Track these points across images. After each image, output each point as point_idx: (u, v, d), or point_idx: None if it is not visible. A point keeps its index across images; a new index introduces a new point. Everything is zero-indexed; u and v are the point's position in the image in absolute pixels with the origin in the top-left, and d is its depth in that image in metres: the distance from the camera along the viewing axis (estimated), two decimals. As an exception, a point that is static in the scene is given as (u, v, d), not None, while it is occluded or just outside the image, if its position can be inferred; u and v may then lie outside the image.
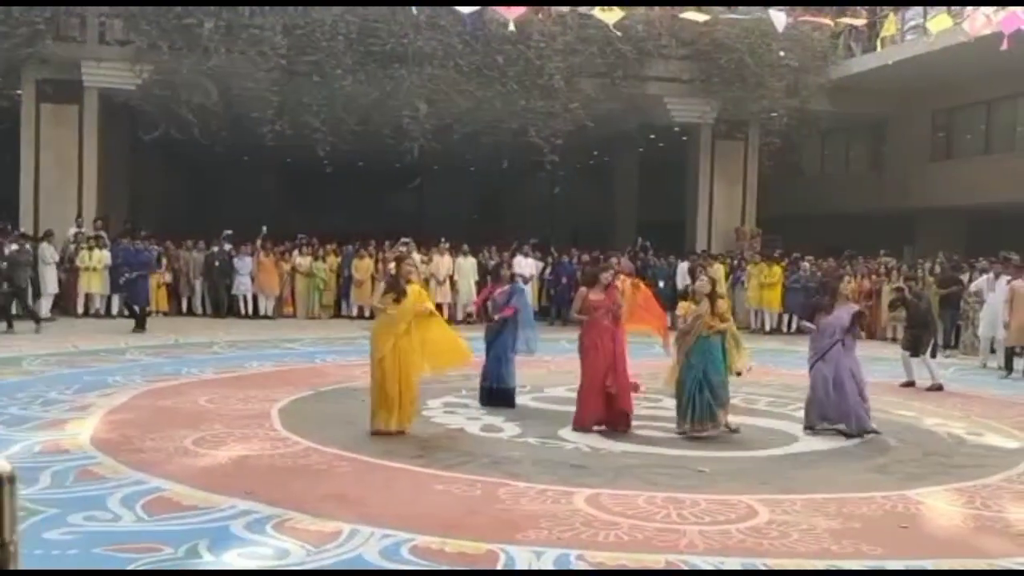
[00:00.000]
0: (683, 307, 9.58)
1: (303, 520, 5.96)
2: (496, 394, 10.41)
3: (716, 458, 8.18)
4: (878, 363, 15.00)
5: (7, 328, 15.96)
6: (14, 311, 16.34)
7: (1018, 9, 18.10)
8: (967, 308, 16.96)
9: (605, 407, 9.23)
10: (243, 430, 8.64)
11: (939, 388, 12.51)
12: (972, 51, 18.63)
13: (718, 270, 19.42)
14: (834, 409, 9.35)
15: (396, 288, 8.76)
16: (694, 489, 7.03)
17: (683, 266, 20.98)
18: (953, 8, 20.22)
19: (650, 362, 11.25)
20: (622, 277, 10.70)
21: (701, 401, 8.99)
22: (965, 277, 17.45)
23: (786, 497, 6.85)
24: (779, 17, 20.39)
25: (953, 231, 24.55)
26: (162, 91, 19.72)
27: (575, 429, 9.13)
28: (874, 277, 19.81)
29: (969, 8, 19.37)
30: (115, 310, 18.99)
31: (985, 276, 15.83)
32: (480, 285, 20.45)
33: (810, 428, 9.52)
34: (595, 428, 9.15)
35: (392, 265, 9.35)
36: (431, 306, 9.19)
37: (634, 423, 9.44)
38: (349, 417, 9.43)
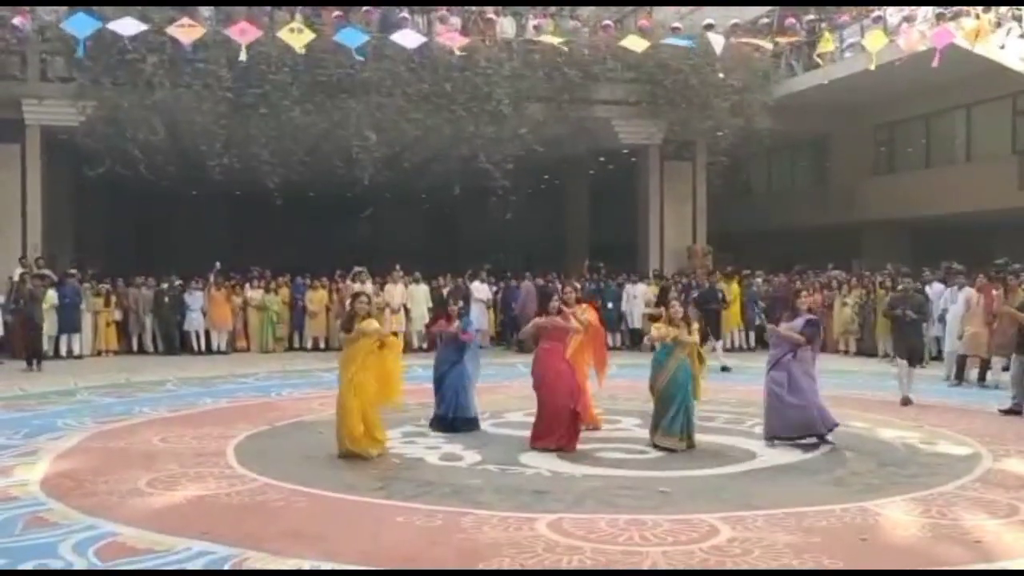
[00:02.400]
0: (659, 328, 9.78)
1: (262, 559, 5.86)
2: (454, 423, 10.38)
3: (677, 477, 8.21)
4: (832, 376, 15.20)
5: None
6: None
7: (949, 24, 18.66)
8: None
9: (565, 430, 9.30)
10: (198, 469, 8.48)
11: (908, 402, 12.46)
12: (908, 67, 19.11)
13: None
14: (794, 417, 9.51)
15: (348, 327, 9.10)
16: (656, 510, 7.03)
17: (639, 288, 21.07)
18: (889, 24, 20.76)
19: (608, 383, 11.31)
20: (583, 306, 10.81)
21: (685, 418, 9.36)
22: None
23: (747, 514, 6.88)
24: (717, 40, 20.79)
25: (898, 243, 25.02)
26: (106, 127, 19.43)
27: (532, 447, 9.28)
28: (826, 292, 20.09)
29: (904, 25, 19.91)
30: (64, 350, 18.68)
31: (948, 289, 15.90)
32: (433, 312, 20.42)
33: (770, 440, 9.67)
34: (553, 450, 9.18)
35: (348, 302, 9.46)
36: (376, 326, 9.16)
37: (595, 445, 9.51)
38: (306, 451, 9.33)
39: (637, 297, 20.77)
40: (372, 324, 9.12)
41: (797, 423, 9.53)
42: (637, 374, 13.27)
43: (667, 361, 9.52)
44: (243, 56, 18.15)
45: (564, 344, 9.67)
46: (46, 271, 19.07)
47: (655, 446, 9.43)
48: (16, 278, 18.75)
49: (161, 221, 32.53)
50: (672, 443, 9.31)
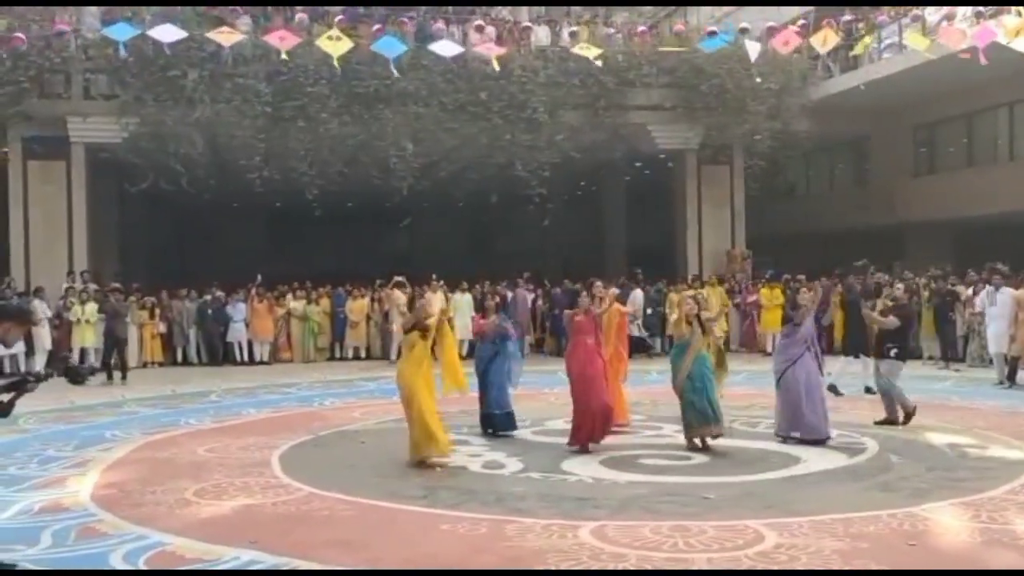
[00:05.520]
0: (675, 322, 10.23)
1: (308, 568, 5.93)
2: (498, 419, 10.59)
3: (720, 483, 8.16)
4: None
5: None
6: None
7: (990, 23, 18.39)
8: (972, 320, 16.86)
9: (601, 424, 9.61)
10: (244, 479, 8.59)
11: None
12: (949, 66, 18.86)
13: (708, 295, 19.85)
14: (805, 419, 9.78)
15: (421, 327, 9.23)
16: (700, 516, 6.99)
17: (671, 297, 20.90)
18: (929, 23, 20.51)
19: (649, 389, 11.27)
20: (609, 300, 10.98)
21: (703, 406, 9.52)
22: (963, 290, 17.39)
23: (793, 520, 6.82)
24: (753, 46, 20.66)
25: (941, 245, 24.67)
26: (149, 143, 19.77)
27: (570, 447, 9.56)
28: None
29: (944, 23, 19.66)
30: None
31: (985, 290, 15.64)
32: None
33: (781, 437, 9.92)
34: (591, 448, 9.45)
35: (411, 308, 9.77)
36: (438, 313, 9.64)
37: (637, 452, 9.53)
38: (350, 461, 9.41)
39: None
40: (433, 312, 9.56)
41: (809, 426, 9.78)
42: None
43: (683, 358, 9.76)
44: (284, 56, 18.42)
45: (595, 338, 9.90)
46: (92, 285, 19.39)
47: (695, 446, 9.57)
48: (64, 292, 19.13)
49: (203, 234, 32.94)
50: (711, 431, 9.53)
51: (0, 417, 5.40)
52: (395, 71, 19.02)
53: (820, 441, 9.68)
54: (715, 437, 9.53)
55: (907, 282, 19.20)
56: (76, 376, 5.95)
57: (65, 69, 19.69)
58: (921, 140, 25.63)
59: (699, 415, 9.54)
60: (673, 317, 10.36)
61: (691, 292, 14.71)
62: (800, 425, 9.81)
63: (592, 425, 9.57)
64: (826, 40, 20.65)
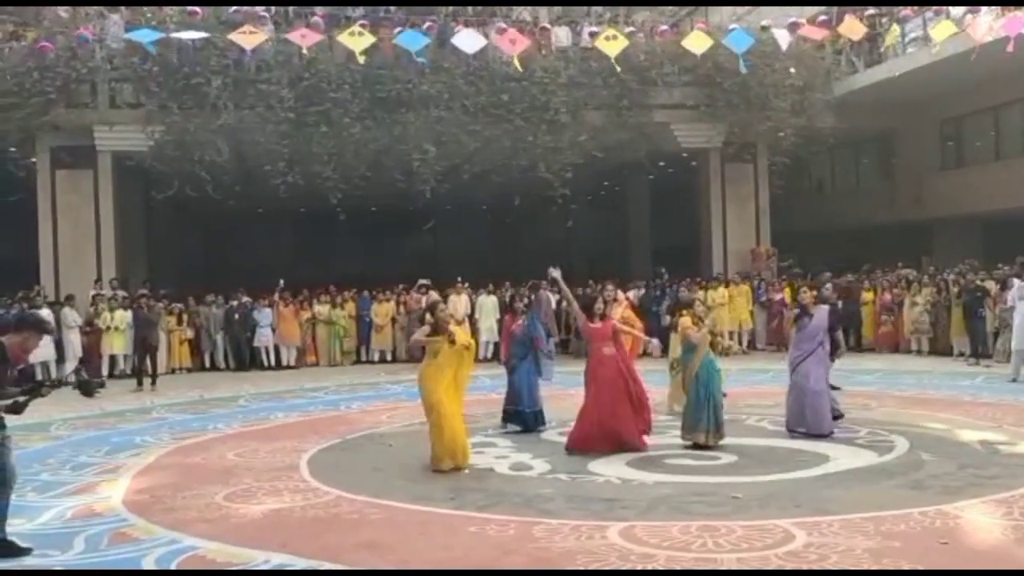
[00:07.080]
0: (685, 323, 10.12)
1: (338, 570, 5.96)
2: (525, 416, 10.80)
3: (749, 483, 8.11)
4: (906, 376, 14.91)
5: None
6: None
7: (1019, 12, 18.16)
8: (1003, 315, 16.64)
9: (605, 433, 9.51)
10: (273, 483, 8.63)
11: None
12: (976, 58, 18.67)
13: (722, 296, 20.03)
14: (811, 413, 9.99)
15: (444, 333, 9.06)
16: (729, 516, 6.96)
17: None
18: (954, 15, 20.30)
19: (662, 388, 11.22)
20: (624, 305, 10.99)
21: (711, 413, 9.61)
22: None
23: (822, 519, 6.77)
24: (782, 35, 20.51)
25: (970, 239, 24.42)
26: (174, 151, 19.92)
27: (567, 450, 9.56)
28: (895, 290, 19.73)
29: (969, 16, 19.45)
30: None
31: (1017, 284, 15.36)
32: (501, 323, 20.54)
33: (792, 432, 10.10)
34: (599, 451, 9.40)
35: (428, 316, 9.54)
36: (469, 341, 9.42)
37: (664, 452, 9.48)
38: (378, 464, 9.44)
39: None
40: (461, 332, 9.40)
41: (811, 420, 10.01)
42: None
43: (691, 360, 9.85)
44: (304, 52, 18.53)
45: (614, 346, 9.75)
46: (121, 292, 19.59)
47: (689, 445, 9.66)
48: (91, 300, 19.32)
49: (228, 239, 33.22)
50: (699, 438, 9.61)
51: (14, 414, 6.22)
52: (418, 59, 19.06)
53: (823, 436, 9.84)
54: (704, 447, 9.52)
55: (937, 278, 19.13)
56: (87, 389, 6.78)
57: (91, 79, 19.88)
58: (948, 134, 25.40)
59: (695, 419, 9.67)
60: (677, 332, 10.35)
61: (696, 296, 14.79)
62: (803, 421, 10.08)
63: (591, 433, 9.50)
64: (853, 29, 20.53)
